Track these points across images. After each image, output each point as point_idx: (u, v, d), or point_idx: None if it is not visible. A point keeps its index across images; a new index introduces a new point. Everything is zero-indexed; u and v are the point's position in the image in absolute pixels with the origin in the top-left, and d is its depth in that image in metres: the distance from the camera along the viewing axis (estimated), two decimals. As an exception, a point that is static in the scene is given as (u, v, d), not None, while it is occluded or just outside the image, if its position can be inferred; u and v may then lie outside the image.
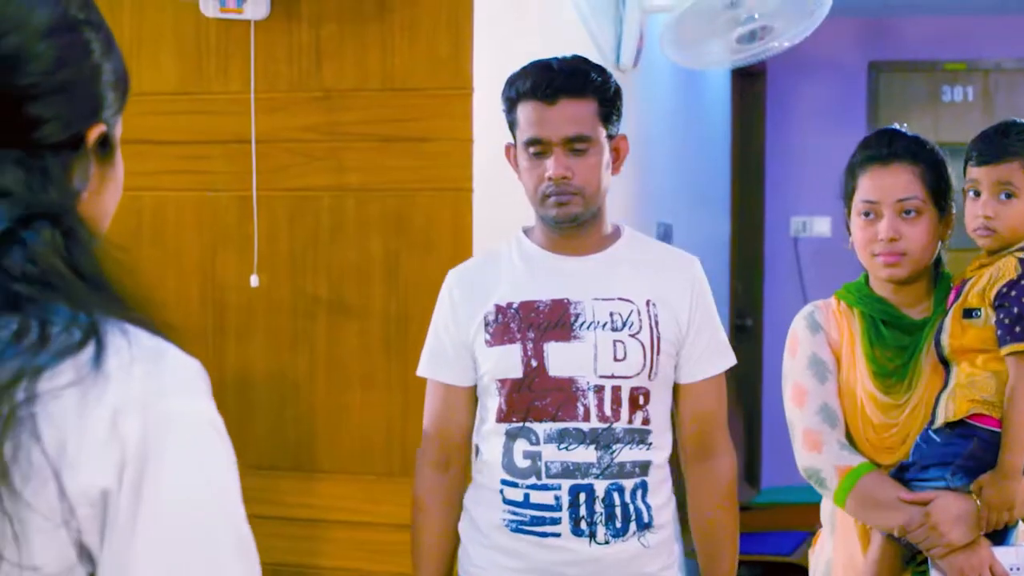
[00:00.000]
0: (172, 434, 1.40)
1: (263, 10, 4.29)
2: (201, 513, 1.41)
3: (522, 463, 3.31)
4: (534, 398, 3.30)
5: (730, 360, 3.48)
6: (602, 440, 3.28)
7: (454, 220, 4.20)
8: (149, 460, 1.37)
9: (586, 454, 3.27)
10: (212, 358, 4.44)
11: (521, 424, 3.31)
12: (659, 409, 3.36)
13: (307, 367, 4.37)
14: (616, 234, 3.46)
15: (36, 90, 1.44)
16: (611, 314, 3.31)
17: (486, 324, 3.36)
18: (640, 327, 3.31)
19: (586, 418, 3.27)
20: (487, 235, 4.22)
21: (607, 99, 3.32)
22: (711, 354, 3.42)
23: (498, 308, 3.37)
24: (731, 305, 8.74)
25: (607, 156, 3.34)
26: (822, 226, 9.12)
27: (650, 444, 3.32)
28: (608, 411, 3.28)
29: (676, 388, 3.43)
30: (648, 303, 3.34)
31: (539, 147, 3.31)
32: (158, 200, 4.49)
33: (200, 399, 1.47)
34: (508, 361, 3.32)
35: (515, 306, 3.35)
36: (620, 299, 3.34)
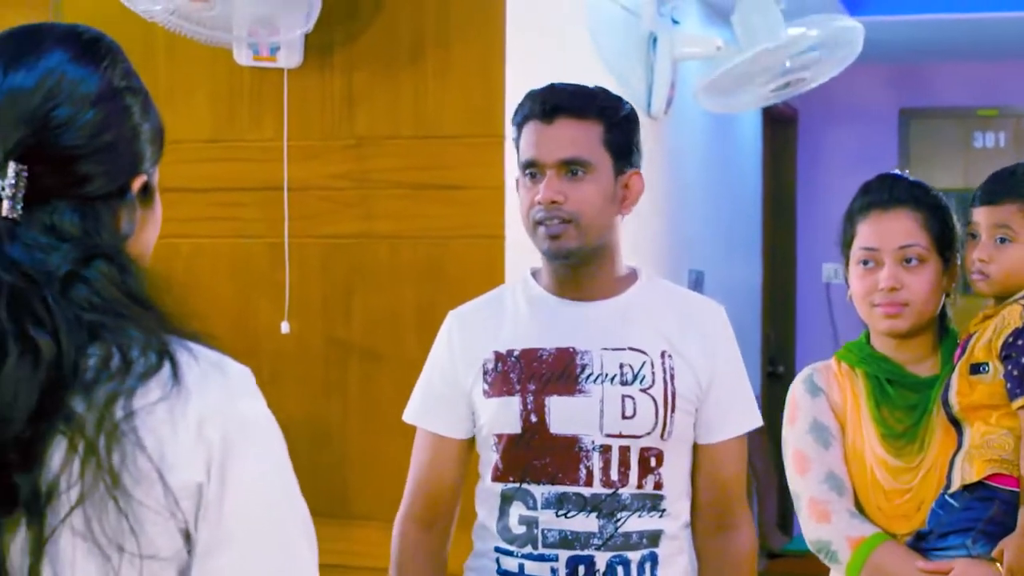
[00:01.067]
0: (245, 433, 1.67)
1: (296, 58, 4.32)
2: (273, 495, 1.70)
3: (517, 529, 2.98)
4: (532, 457, 2.96)
5: (755, 420, 3.13)
6: (605, 508, 2.94)
7: (486, 267, 4.21)
8: (229, 456, 1.64)
9: (586, 522, 2.93)
10: (245, 405, 4.44)
11: (518, 485, 2.98)
12: (675, 473, 3.02)
13: (340, 414, 4.37)
14: (632, 278, 3.11)
15: (85, 150, 1.69)
16: (621, 366, 2.97)
17: (484, 372, 3.03)
18: (653, 381, 2.97)
19: (588, 482, 2.94)
20: (519, 282, 4.22)
21: (614, 124, 2.99)
22: (733, 413, 3.09)
23: (497, 356, 3.03)
24: (763, 352, 8.72)
25: (610, 187, 2.98)
26: (854, 272, 9.08)
27: (663, 511, 2.98)
28: (614, 474, 2.94)
29: (694, 449, 3.09)
30: (663, 355, 2.99)
31: (533, 169, 2.98)
32: (192, 247, 4.51)
33: (259, 400, 1.74)
34: (506, 415, 2.98)
35: (516, 354, 3.01)
36: (632, 349, 2.99)
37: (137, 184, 1.76)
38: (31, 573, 1.56)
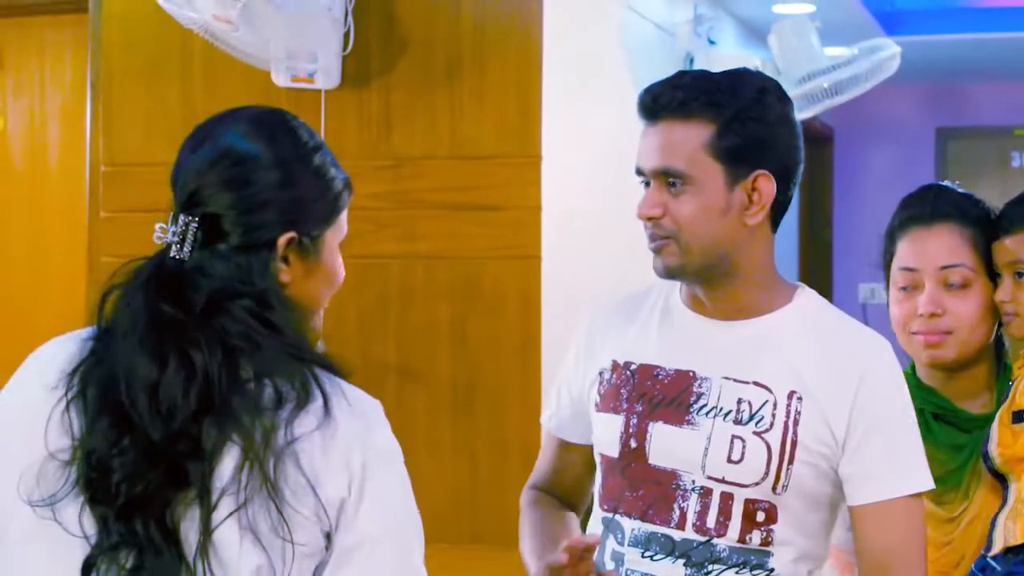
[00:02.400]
0: (378, 459, 2.04)
1: (334, 79, 4.33)
2: (396, 506, 2.07)
3: (609, 564, 2.64)
4: (626, 487, 2.61)
5: (919, 483, 2.55)
6: (695, 556, 2.54)
7: (523, 287, 4.21)
8: (366, 478, 2.01)
9: (672, 570, 2.55)
10: (281, 424, 4.46)
11: (611, 515, 2.64)
12: (796, 532, 2.55)
13: (376, 433, 4.37)
14: (784, 299, 2.64)
15: (226, 211, 2.05)
16: (739, 401, 2.55)
17: (600, 382, 2.69)
18: (771, 424, 2.52)
19: (680, 525, 2.55)
20: (556, 302, 4.22)
21: (730, 122, 2.52)
22: (884, 471, 2.54)
23: (615, 366, 2.67)
24: (799, 372, 8.69)
25: (719, 199, 2.52)
26: (891, 292, 9.07)
27: (771, 572, 2.54)
28: (711, 522, 2.53)
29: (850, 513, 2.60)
30: (791, 396, 2.53)
31: (642, 178, 2.59)
32: (229, 267, 4.52)
33: (387, 429, 2.10)
34: (608, 434, 2.64)
35: (633, 368, 2.64)
36: (756, 384, 2.55)
37: (282, 241, 2.06)
38: (200, 549, 1.93)
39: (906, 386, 2.57)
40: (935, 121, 9.41)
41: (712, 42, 5.85)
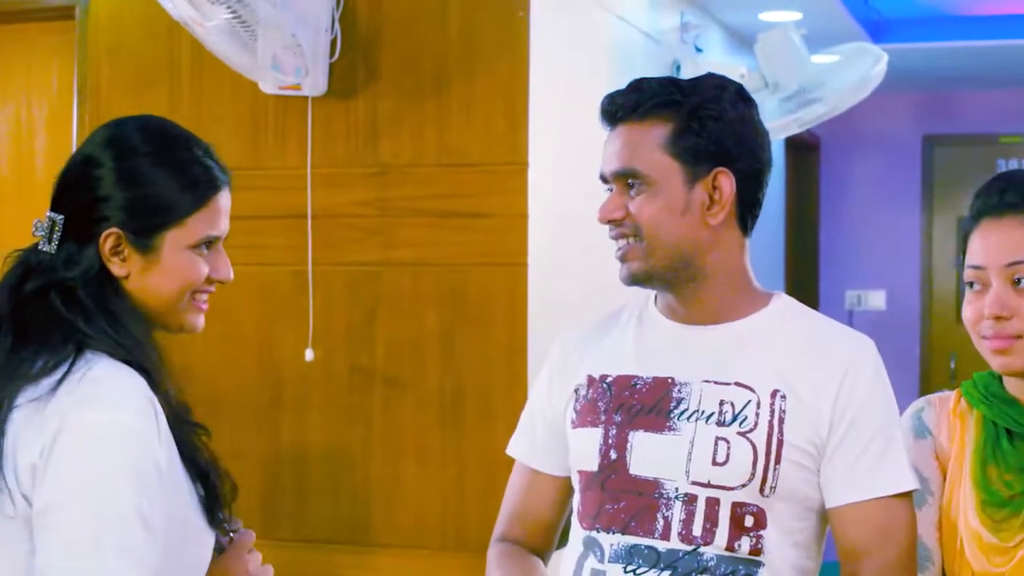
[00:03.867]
0: (78, 432, 2.06)
1: (321, 87, 4.33)
2: (84, 482, 2.05)
3: None
4: (606, 500, 2.50)
5: (902, 482, 2.45)
6: (681, 567, 2.42)
7: (509, 295, 4.21)
8: (56, 445, 2.06)
9: None
10: (267, 431, 4.46)
11: (590, 532, 2.52)
12: (785, 539, 2.45)
13: (363, 441, 4.37)
14: (760, 303, 2.58)
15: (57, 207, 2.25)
16: (721, 403, 2.46)
17: (576, 399, 2.60)
18: (756, 424, 2.44)
19: (665, 535, 2.44)
20: (542, 310, 4.23)
21: (688, 121, 2.48)
22: (865, 470, 2.44)
23: (590, 380, 2.59)
24: (786, 379, 8.70)
25: (679, 198, 2.47)
26: (877, 300, 9.09)
27: None
28: (697, 530, 2.43)
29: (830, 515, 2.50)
30: (775, 395, 2.45)
31: (606, 185, 2.56)
32: (215, 274, 4.52)
33: (111, 412, 2.09)
34: (586, 449, 2.54)
35: (609, 380, 2.56)
36: (737, 385, 2.47)
37: (104, 237, 2.20)
38: None
39: (889, 386, 2.50)
40: (921, 129, 9.43)
41: (699, 49, 5.86)
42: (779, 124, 5.56)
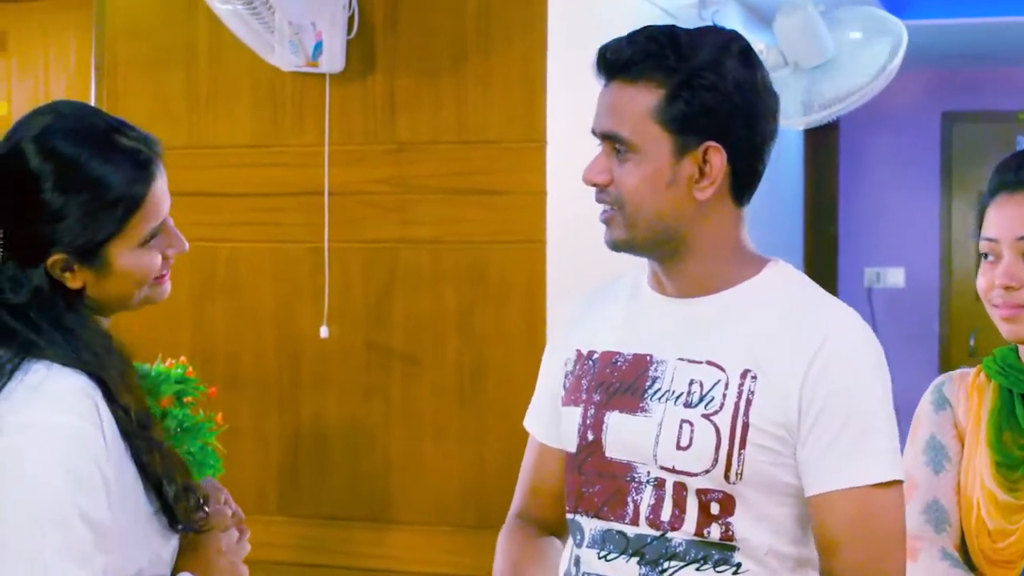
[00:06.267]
0: (13, 431, 2.03)
1: (338, 64, 4.32)
2: (14, 481, 2.02)
3: (571, 568, 2.45)
4: (583, 483, 2.41)
5: (880, 471, 2.27)
6: (649, 553, 2.32)
7: (528, 272, 4.21)
8: None
9: (626, 569, 2.34)
10: (285, 409, 4.46)
11: (572, 516, 2.44)
12: (760, 526, 2.31)
13: (381, 418, 4.37)
14: (750, 272, 2.41)
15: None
16: (691, 383, 2.32)
17: (566, 375, 2.51)
18: (721, 406, 2.29)
19: (634, 520, 2.34)
20: (561, 287, 4.22)
21: (680, 87, 2.29)
22: (839, 457, 2.26)
23: (579, 355, 2.49)
24: (804, 357, 8.68)
25: (665, 169, 2.32)
26: (896, 277, 9.07)
27: (736, 567, 2.30)
28: (665, 515, 2.31)
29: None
30: (745, 374, 2.29)
31: (596, 140, 2.42)
32: (232, 251, 4.52)
33: (50, 412, 2.05)
34: (569, 429, 2.45)
35: (596, 356, 2.45)
36: (709, 364, 2.32)
37: (50, 263, 2.15)
38: None
39: (876, 366, 2.31)
40: (940, 106, 9.40)
41: (717, 26, 5.83)
42: (800, 118, 5.53)
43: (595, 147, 2.44)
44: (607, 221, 2.39)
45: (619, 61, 2.35)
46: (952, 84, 9.35)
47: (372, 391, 4.38)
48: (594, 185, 2.38)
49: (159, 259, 2.24)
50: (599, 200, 2.39)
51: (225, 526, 2.31)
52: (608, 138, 2.36)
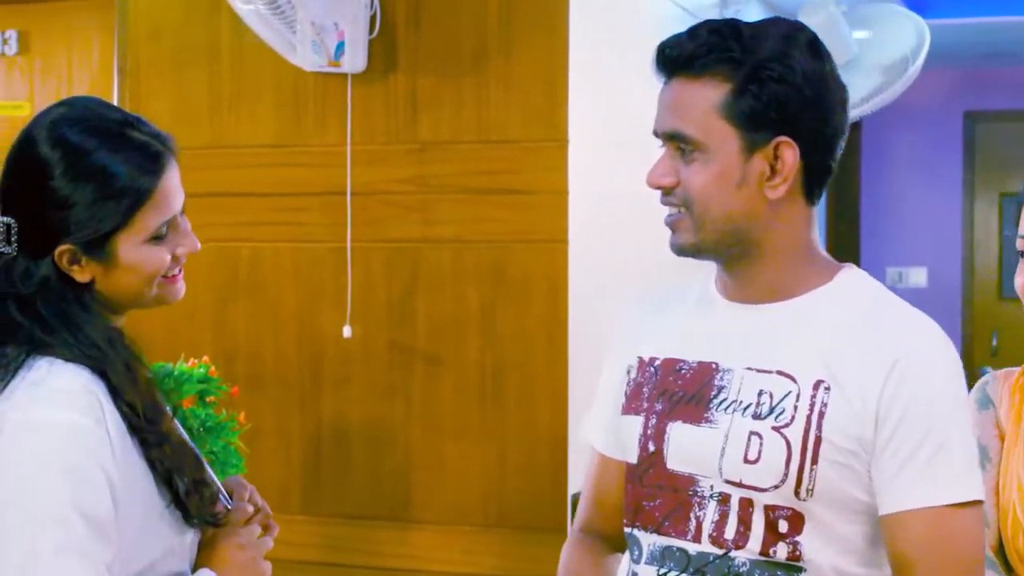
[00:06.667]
0: (15, 429, 2.04)
1: (360, 64, 4.32)
2: (14, 480, 2.02)
3: None
4: (643, 496, 2.28)
5: (959, 491, 2.13)
6: (710, 573, 2.21)
7: (549, 272, 4.21)
8: None
9: None
10: (308, 408, 4.46)
11: (631, 530, 2.31)
12: (826, 545, 2.18)
13: (403, 417, 4.37)
14: (823, 278, 2.29)
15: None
16: (760, 393, 2.20)
17: (627, 382, 2.37)
18: (793, 418, 2.16)
19: (696, 537, 2.21)
20: (582, 286, 4.22)
21: (748, 81, 2.17)
22: (915, 475, 2.13)
23: (640, 362, 2.36)
24: (826, 357, 8.68)
25: (735, 168, 2.19)
26: (918, 276, 9.05)
27: None
28: (729, 532, 2.19)
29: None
30: (818, 385, 2.17)
31: (659, 141, 2.27)
32: (254, 251, 4.53)
33: (48, 410, 2.05)
34: (629, 439, 2.31)
35: (657, 363, 2.32)
36: (780, 373, 2.20)
37: (58, 254, 2.14)
38: None
39: (955, 381, 2.18)
40: (962, 105, 9.37)
41: (739, 25, 5.82)
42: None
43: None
44: (674, 225, 2.23)
45: (681, 56, 2.20)
46: (974, 83, 9.33)
47: (394, 390, 4.38)
48: (659, 188, 2.23)
49: (168, 256, 2.21)
50: (665, 203, 2.23)
51: (244, 522, 2.31)
52: (672, 138, 2.20)
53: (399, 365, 4.38)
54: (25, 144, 2.16)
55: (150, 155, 2.17)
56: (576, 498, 4.08)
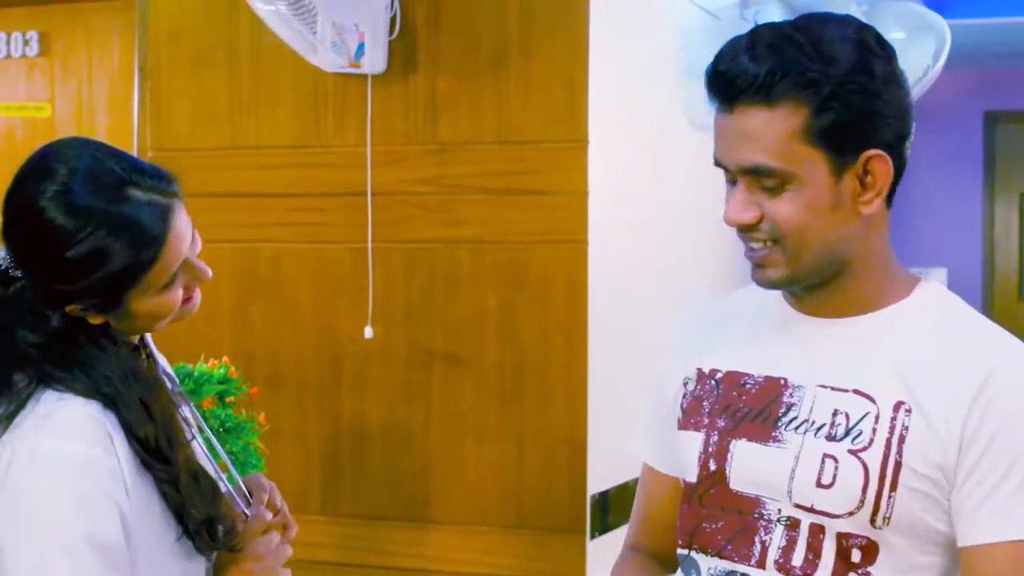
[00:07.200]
0: (28, 460, 2.05)
1: (380, 65, 4.33)
2: (29, 508, 2.03)
3: None
4: (703, 517, 2.18)
5: None
6: None
7: (569, 273, 4.20)
8: (8, 475, 2.05)
9: None
10: (327, 409, 4.47)
11: (687, 552, 2.21)
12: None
13: (422, 419, 4.37)
14: (902, 293, 2.18)
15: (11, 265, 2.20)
16: (835, 413, 2.08)
17: (684, 395, 2.28)
18: (871, 441, 2.04)
19: (760, 563, 2.10)
20: (602, 288, 4.21)
21: (828, 100, 2.02)
22: (1002, 505, 2.00)
23: (699, 375, 2.26)
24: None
25: (826, 192, 2.06)
26: (938, 277, 9.03)
27: None
28: (797, 559, 2.08)
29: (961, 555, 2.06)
30: (898, 407, 2.05)
31: (725, 172, 2.13)
32: (274, 252, 4.53)
33: (59, 441, 2.06)
34: (687, 455, 2.22)
35: (719, 376, 2.22)
36: (856, 393, 2.08)
37: (69, 311, 2.15)
38: None
39: None
40: (983, 105, 9.37)
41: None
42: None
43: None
44: (762, 260, 2.11)
45: (751, 84, 2.03)
46: (995, 83, 9.31)
47: (412, 391, 4.38)
48: (741, 226, 2.10)
49: (180, 294, 2.23)
50: (748, 239, 2.11)
51: (262, 530, 2.30)
52: (752, 172, 2.06)
53: (418, 366, 4.38)
54: (29, 210, 2.13)
55: (155, 216, 2.14)
56: (595, 499, 4.10)
